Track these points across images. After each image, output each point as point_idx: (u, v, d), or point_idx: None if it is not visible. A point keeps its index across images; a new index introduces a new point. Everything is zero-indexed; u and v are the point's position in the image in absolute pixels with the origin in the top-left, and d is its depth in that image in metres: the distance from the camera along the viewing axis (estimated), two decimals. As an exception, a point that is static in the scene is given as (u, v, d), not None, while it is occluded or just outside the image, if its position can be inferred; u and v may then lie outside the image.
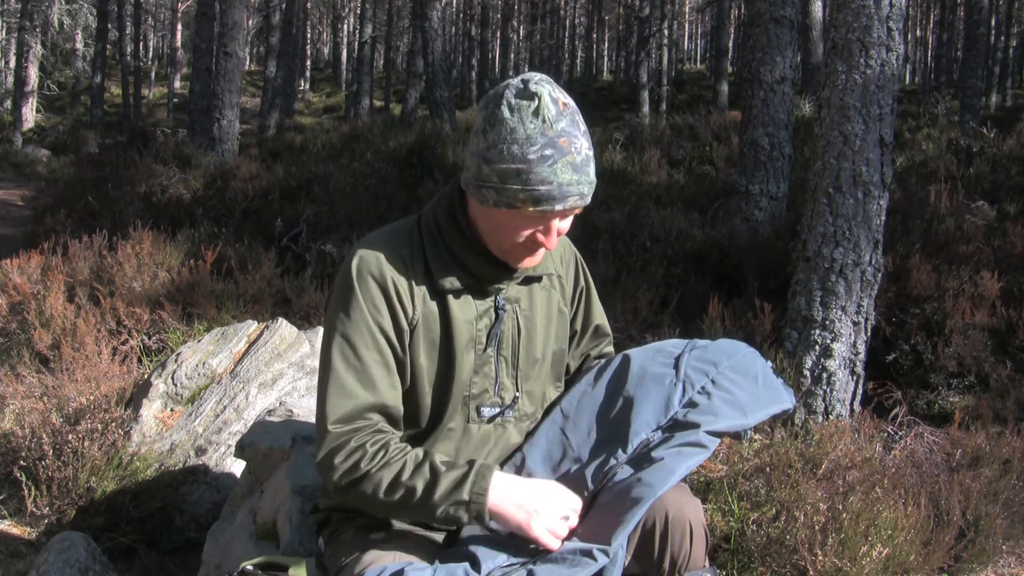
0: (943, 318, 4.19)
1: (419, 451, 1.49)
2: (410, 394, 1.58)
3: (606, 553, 1.43)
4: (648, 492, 1.48)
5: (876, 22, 3.45)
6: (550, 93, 1.44)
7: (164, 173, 8.31)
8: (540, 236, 1.50)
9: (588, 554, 1.44)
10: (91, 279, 4.60)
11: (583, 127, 1.47)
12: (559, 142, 1.42)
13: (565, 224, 1.53)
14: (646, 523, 1.52)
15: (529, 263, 1.57)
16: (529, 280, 1.64)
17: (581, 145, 1.44)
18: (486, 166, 1.45)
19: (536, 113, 1.43)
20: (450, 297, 1.56)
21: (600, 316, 1.83)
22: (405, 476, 1.45)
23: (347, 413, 1.49)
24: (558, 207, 1.44)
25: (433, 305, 1.56)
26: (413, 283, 1.54)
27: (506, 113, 1.44)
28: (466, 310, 1.57)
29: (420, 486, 1.44)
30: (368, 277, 1.52)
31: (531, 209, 1.44)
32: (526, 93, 1.44)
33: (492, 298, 1.60)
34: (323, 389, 1.51)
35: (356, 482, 1.47)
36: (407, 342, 1.54)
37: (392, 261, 1.54)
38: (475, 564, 1.46)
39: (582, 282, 1.78)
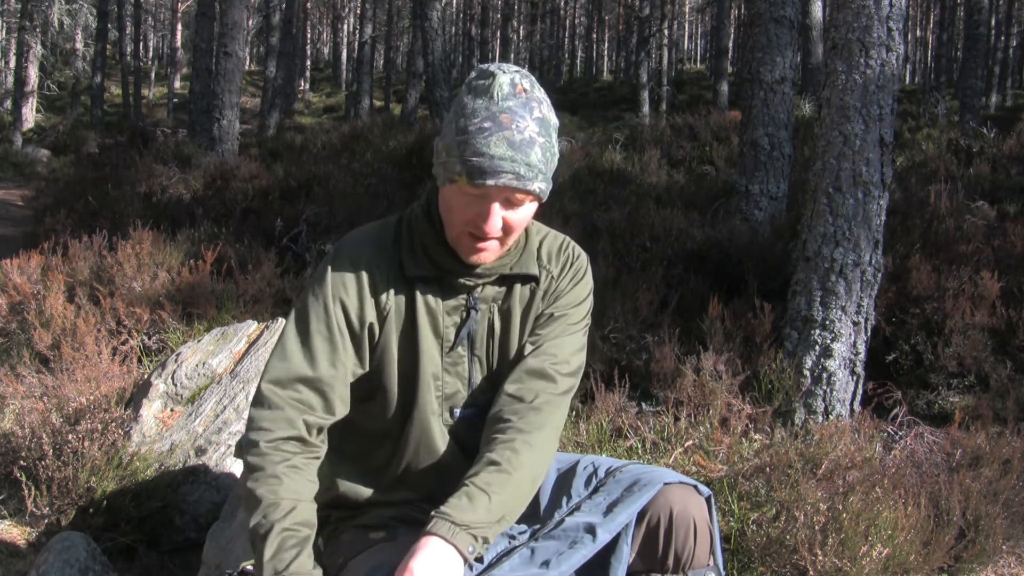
0: (943, 318, 4.19)
1: (287, 487, 1.43)
2: (379, 384, 1.57)
3: (608, 530, 1.44)
4: (653, 479, 1.51)
5: (876, 22, 3.45)
6: (511, 79, 1.45)
7: (164, 173, 8.31)
8: (480, 220, 1.46)
9: (591, 531, 1.45)
10: (91, 279, 4.60)
11: (539, 115, 1.44)
12: (500, 118, 1.42)
13: (515, 217, 1.47)
14: (650, 520, 1.52)
15: (477, 258, 1.51)
16: (511, 280, 1.60)
17: (525, 126, 1.42)
18: (439, 143, 1.49)
19: (486, 91, 1.44)
20: (417, 289, 1.56)
21: (560, 329, 1.60)
22: (256, 512, 1.42)
23: (280, 377, 1.50)
24: (490, 182, 1.41)
25: (402, 297, 1.56)
26: (388, 273, 1.56)
27: (463, 94, 1.48)
28: (432, 303, 1.56)
29: (253, 516, 1.43)
30: (344, 260, 1.55)
31: (466, 183, 1.43)
32: (484, 74, 1.47)
33: (464, 296, 1.58)
34: (272, 353, 1.55)
35: (246, 449, 1.49)
36: (376, 334, 1.55)
37: (370, 253, 1.56)
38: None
39: (567, 288, 1.63)
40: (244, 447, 1.51)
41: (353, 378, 1.56)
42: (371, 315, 1.54)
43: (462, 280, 1.56)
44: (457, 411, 1.60)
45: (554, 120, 1.49)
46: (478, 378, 1.60)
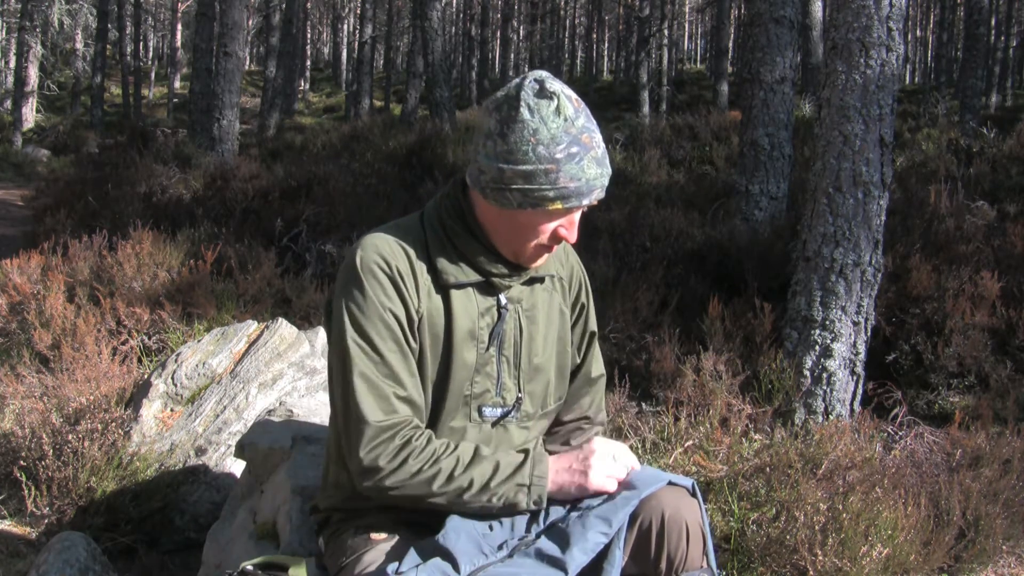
0: (943, 318, 4.19)
1: (466, 445, 1.53)
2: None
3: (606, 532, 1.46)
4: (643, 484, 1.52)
5: (876, 22, 3.45)
6: (563, 91, 1.48)
7: (164, 173, 8.30)
8: (563, 231, 1.53)
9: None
10: (91, 279, 4.60)
11: (592, 118, 1.51)
12: (582, 139, 1.46)
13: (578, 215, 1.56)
14: (642, 523, 1.52)
15: (542, 261, 1.60)
16: (531, 280, 1.64)
17: (599, 139, 1.50)
18: (509, 168, 1.45)
19: (558, 112, 1.45)
20: (453, 292, 1.57)
21: (594, 323, 1.80)
22: (459, 470, 1.48)
23: (380, 407, 1.48)
24: (585, 201, 1.49)
25: (437, 300, 1.56)
26: (418, 277, 1.55)
27: (526, 114, 1.45)
28: (468, 306, 1.58)
29: (477, 477, 1.48)
30: (375, 267, 1.52)
31: (559, 206, 1.47)
32: (544, 93, 1.46)
33: (495, 297, 1.60)
34: (347, 389, 1.49)
35: (405, 480, 1.47)
36: (415, 332, 1.55)
37: (397, 254, 1.54)
38: (455, 565, 1.44)
39: (582, 283, 1.78)
40: (378, 488, 1.50)
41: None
42: (413, 321, 1.55)
43: (503, 282, 1.59)
44: (485, 409, 1.62)
45: None
46: (505, 377, 1.62)
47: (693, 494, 1.57)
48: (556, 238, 1.54)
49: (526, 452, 1.53)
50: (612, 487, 1.53)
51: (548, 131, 1.44)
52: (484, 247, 1.57)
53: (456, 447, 1.51)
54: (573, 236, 1.54)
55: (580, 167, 1.45)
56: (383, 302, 1.51)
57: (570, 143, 1.45)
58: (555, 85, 1.47)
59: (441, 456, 1.49)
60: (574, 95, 1.50)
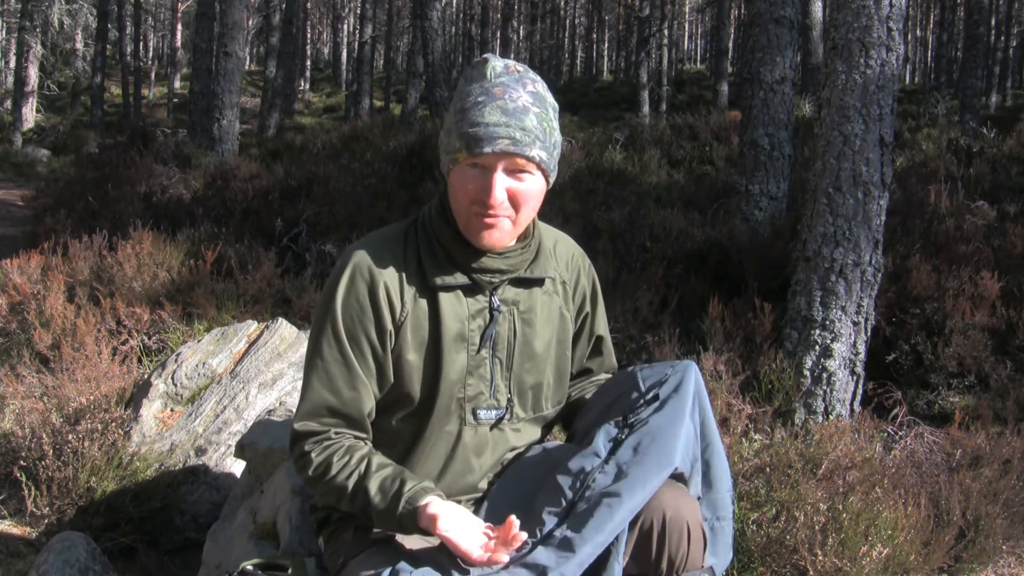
0: (943, 318, 4.19)
1: (362, 467, 1.51)
2: (398, 391, 1.58)
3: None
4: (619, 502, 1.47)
5: (876, 22, 3.45)
6: (505, 63, 1.52)
7: (164, 173, 8.30)
8: (483, 194, 1.47)
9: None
10: (91, 279, 4.60)
11: (532, 89, 1.50)
12: (493, 91, 1.48)
13: (521, 188, 1.49)
14: (643, 524, 1.51)
15: (489, 238, 1.52)
16: (529, 283, 1.63)
17: (518, 96, 1.48)
18: (442, 132, 1.54)
19: (481, 73, 1.51)
20: (441, 294, 1.56)
21: (603, 328, 1.82)
22: (344, 496, 1.52)
23: (307, 410, 1.55)
24: (487, 148, 1.45)
25: (423, 302, 1.56)
26: (404, 281, 1.56)
27: (461, 82, 1.54)
28: (457, 308, 1.57)
29: (346, 502, 1.52)
30: (357, 277, 1.54)
31: (465, 155, 1.47)
32: (477, 62, 1.54)
33: (487, 299, 1.59)
34: (302, 388, 1.60)
35: (311, 482, 1.56)
36: (391, 342, 1.55)
37: (383, 260, 1.56)
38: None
39: (588, 291, 1.76)
40: (302, 477, 1.57)
41: (381, 393, 1.58)
42: (389, 328, 1.55)
43: (484, 278, 1.57)
44: (480, 412, 1.61)
45: (551, 100, 1.54)
46: (499, 380, 1.62)
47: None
48: (479, 201, 1.49)
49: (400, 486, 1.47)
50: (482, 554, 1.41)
51: (467, 88, 1.51)
52: (457, 235, 1.56)
53: (342, 452, 1.53)
54: (494, 197, 1.47)
55: (481, 112, 1.46)
56: (351, 313, 1.53)
57: (480, 94, 1.48)
58: (494, 57, 1.53)
59: (328, 464, 1.52)
60: (517, 67, 1.52)
